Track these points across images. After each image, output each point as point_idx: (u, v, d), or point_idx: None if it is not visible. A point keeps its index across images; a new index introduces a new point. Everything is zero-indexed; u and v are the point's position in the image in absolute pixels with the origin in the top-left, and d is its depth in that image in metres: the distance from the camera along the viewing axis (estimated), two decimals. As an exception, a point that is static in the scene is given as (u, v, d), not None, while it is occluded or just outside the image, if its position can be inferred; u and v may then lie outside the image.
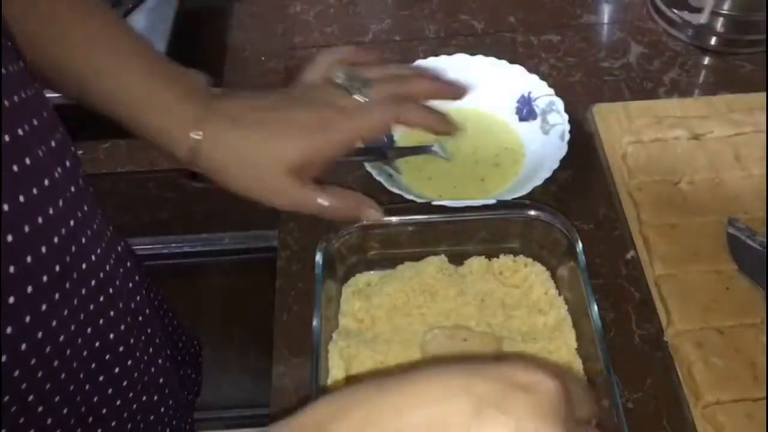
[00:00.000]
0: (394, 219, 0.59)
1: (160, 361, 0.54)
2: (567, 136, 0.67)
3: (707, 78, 0.80)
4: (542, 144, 0.69)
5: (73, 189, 0.42)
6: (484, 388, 0.31)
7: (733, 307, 0.57)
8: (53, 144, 0.41)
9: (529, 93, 0.72)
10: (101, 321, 0.45)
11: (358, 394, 0.33)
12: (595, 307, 0.53)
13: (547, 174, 0.64)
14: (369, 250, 0.61)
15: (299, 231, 0.67)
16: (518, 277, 0.60)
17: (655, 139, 0.69)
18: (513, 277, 0.60)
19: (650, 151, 0.68)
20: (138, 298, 0.52)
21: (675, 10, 0.82)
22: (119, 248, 0.51)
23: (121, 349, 0.48)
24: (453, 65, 0.72)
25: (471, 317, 0.57)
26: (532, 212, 0.59)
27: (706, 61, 0.81)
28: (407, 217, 0.60)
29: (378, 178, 0.64)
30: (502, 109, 0.72)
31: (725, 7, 0.79)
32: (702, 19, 0.79)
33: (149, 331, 0.53)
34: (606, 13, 0.88)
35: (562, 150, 0.66)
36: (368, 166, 0.65)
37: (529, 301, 0.58)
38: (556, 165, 0.65)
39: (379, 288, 0.59)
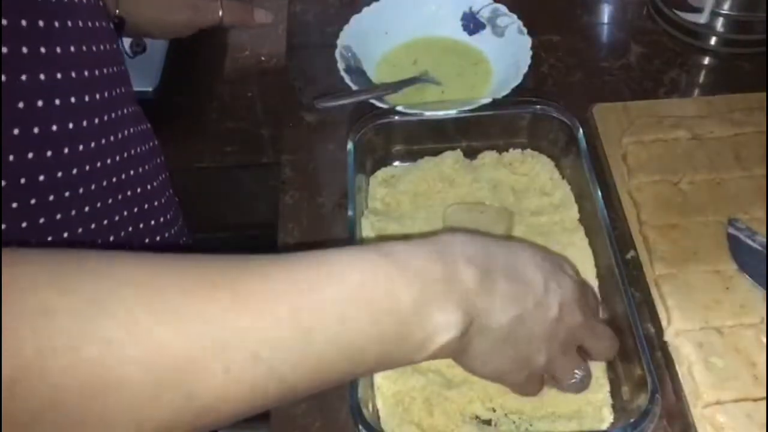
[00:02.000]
0: (413, 117, 0.66)
1: None
2: (524, 29, 0.75)
3: (707, 78, 0.80)
4: (502, 45, 0.77)
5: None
6: (549, 265, 0.45)
7: (733, 307, 0.57)
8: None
9: (470, 8, 0.80)
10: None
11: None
12: (597, 187, 0.60)
13: (525, 69, 0.71)
14: (393, 145, 0.69)
15: (299, 231, 0.67)
16: (526, 166, 0.68)
17: (655, 139, 0.69)
18: (521, 167, 0.68)
19: (650, 151, 0.68)
20: None
21: (675, 10, 0.82)
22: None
23: None
24: (394, 3, 0.79)
25: (485, 199, 0.65)
26: (537, 106, 0.66)
27: (706, 61, 0.81)
28: (427, 112, 0.67)
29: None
30: (451, 30, 0.81)
31: (725, 7, 0.79)
32: (702, 19, 0.79)
33: None
34: (606, 13, 0.88)
35: (527, 41, 0.74)
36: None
37: (536, 186, 0.67)
38: (528, 54, 0.73)
39: (402, 177, 0.67)
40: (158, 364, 0.32)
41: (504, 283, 0.42)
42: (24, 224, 0.44)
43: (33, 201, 0.43)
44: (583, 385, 0.49)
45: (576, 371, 0.48)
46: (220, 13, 0.71)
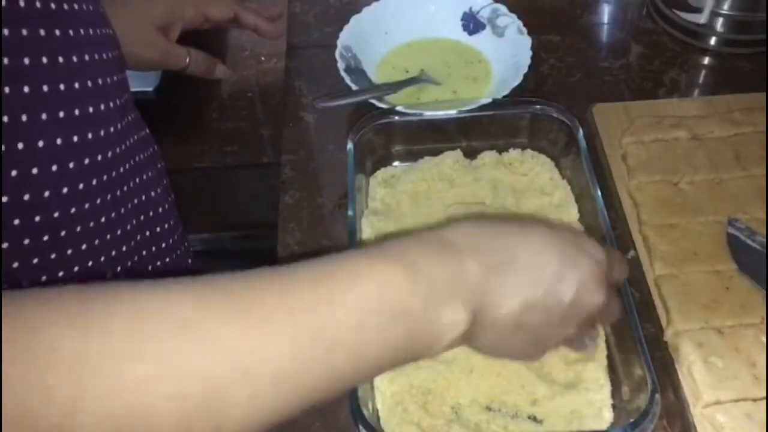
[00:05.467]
0: (413, 116, 0.67)
1: None
2: (524, 30, 0.75)
3: (707, 78, 0.80)
4: (502, 45, 0.77)
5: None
6: (565, 247, 0.43)
7: (733, 307, 0.57)
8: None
9: (470, 8, 0.80)
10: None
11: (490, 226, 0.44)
12: (597, 187, 0.60)
13: (525, 69, 0.71)
14: (393, 145, 0.69)
15: (299, 231, 0.67)
16: (526, 166, 0.68)
17: (655, 139, 0.69)
18: (521, 167, 0.68)
19: (650, 151, 0.68)
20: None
21: (675, 10, 0.82)
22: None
23: None
24: (394, 4, 0.80)
25: (485, 199, 0.65)
26: (537, 106, 0.66)
27: (706, 61, 0.81)
28: (427, 113, 0.67)
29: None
30: (451, 30, 0.81)
31: (725, 7, 0.79)
32: (702, 19, 0.79)
33: None
34: (606, 13, 0.88)
35: (527, 41, 0.74)
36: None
37: (536, 186, 0.66)
38: (527, 54, 0.73)
39: (402, 177, 0.67)
40: (188, 396, 0.32)
41: (512, 273, 0.41)
42: (26, 241, 0.43)
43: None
44: (591, 350, 0.50)
45: (587, 340, 0.49)
46: (187, 60, 0.75)
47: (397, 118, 0.66)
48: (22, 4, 0.40)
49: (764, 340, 0.55)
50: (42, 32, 0.41)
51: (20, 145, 0.41)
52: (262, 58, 0.97)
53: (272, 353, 0.34)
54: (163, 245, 0.59)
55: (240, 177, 0.91)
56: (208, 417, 0.32)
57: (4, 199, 0.41)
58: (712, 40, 0.81)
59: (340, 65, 0.74)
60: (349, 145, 0.63)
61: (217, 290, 0.35)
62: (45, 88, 0.42)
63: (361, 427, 0.46)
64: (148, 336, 0.32)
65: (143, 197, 0.55)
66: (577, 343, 0.49)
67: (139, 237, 0.54)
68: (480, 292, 0.40)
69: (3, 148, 0.40)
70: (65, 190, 0.44)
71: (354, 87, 0.72)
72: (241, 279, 0.36)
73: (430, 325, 0.39)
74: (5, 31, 0.39)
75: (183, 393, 0.31)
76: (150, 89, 0.89)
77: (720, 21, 0.80)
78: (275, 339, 0.34)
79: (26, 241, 0.44)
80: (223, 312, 0.34)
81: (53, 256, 0.46)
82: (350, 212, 0.59)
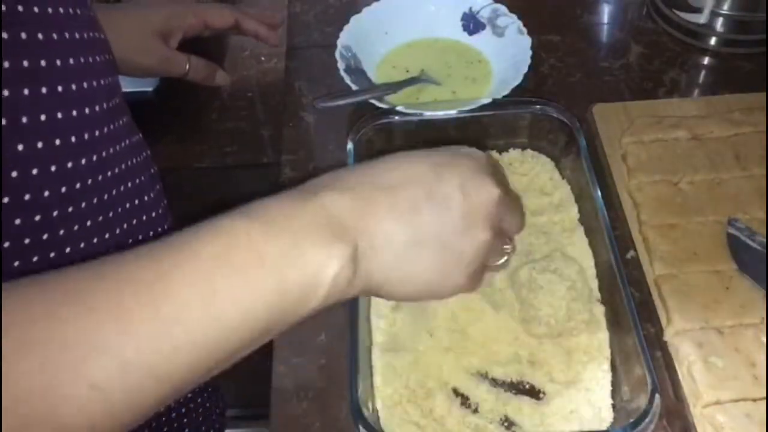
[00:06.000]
0: (413, 116, 0.66)
1: None
2: (524, 30, 0.75)
3: (707, 78, 0.80)
4: (502, 45, 0.77)
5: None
6: (438, 157, 0.43)
7: (733, 307, 0.57)
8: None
9: (470, 8, 0.80)
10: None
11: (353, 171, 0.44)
12: (597, 187, 0.60)
13: (525, 69, 0.72)
14: (393, 145, 0.67)
15: (299, 231, 0.67)
16: (526, 166, 0.68)
17: (655, 139, 0.69)
18: (521, 167, 0.68)
19: (650, 151, 0.68)
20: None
21: (675, 10, 0.82)
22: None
23: None
24: (394, 4, 0.80)
25: None
26: (537, 106, 0.66)
27: (706, 61, 0.81)
28: (426, 113, 0.67)
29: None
30: (451, 30, 0.81)
31: (725, 7, 0.79)
32: (702, 19, 0.79)
33: None
34: (606, 13, 0.88)
35: (527, 41, 0.74)
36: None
37: (536, 186, 0.67)
38: (527, 54, 0.73)
39: None
40: (22, 400, 0.31)
41: (381, 193, 0.41)
42: (6, 244, 0.42)
43: (18, 221, 0.42)
44: (508, 259, 0.49)
45: (505, 247, 0.47)
46: (187, 67, 0.76)
47: (397, 118, 0.66)
48: (3, 7, 0.39)
49: (764, 340, 0.55)
50: (23, 35, 0.40)
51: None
52: (262, 58, 0.97)
53: (113, 339, 0.33)
54: None
55: (240, 177, 0.91)
56: (47, 417, 0.31)
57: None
58: (712, 40, 0.81)
59: (340, 65, 0.74)
60: (349, 145, 0.63)
61: (52, 286, 0.34)
62: (26, 91, 0.41)
63: (361, 427, 0.46)
64: None
65: (136, 201, 0.54)
66: (497, 260, 0.48)
67: (131, 241, 0.54)
68: (349, 220, 0.39)
69: None
70: (46, 193, 0.43)
71: (354, 87, 0.72)
72: (82, 270, 0.35)
73: (299, 267, 0.37)
74: (4, 35, 0.38)
75: (15, 396, 0.31)
76: (149, 89, 0.89)
77: (720, 21, 0.80)
78: (114, 322, 0.33)
79: (6, 245, 0.42)
80: (58, 306, 0.33)
81: (35, 259, 0.44)
82: None
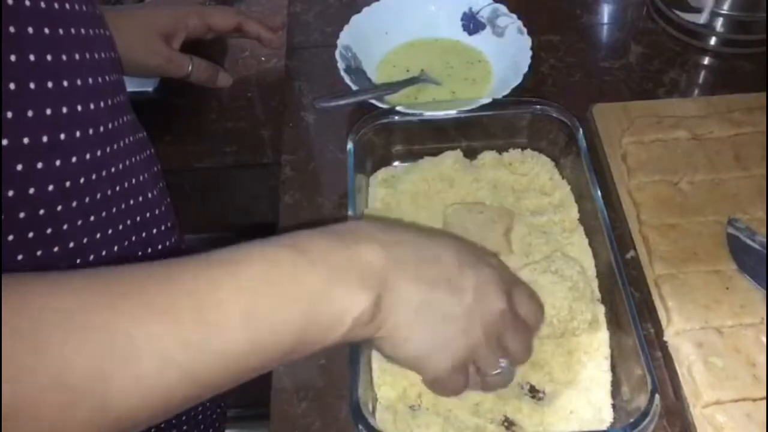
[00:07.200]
0: (413, 116, 0.67)
1: None
2: (524, 30, 0.76)
3: (707, 78, 0.80)
4: (502, 45, 0.77)
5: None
6: (467, 257, 0.46)
7: (733, 307, 0.57)
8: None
9: (470, 8, 0.80)
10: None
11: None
12: (597, 187, 0.60)
13: (524, 69, 0.72)
14: (393, 145, 0.69)
15: (299, 231, 0.67)
16: (526, 166, 0.68)
17: (655, 139, 0.69)
18: (521, 167, 0.68)
19: (650, 151, 0.68)
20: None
21: (675, 10, 0.82)
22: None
23: None
24: (394, 4, 0.80)
25: (485, 199, 0.65)
26: (537, 106, 0.66)
27: (706, 61, 0.81)
28: (426, 113, 0.67)
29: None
30: (451, 30, 0.81)
31: (725, 7, 0.79)
32: (702, 19, 0.79)
33: None
34: (606, 13, 0.88)
35: (527, 41, 0.74)
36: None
37: (536, 186, 0.67)
38: (527, 54, 0.73)
39: (402, 177, 0.67)
40: (68, 382, 0.32)
41: (413, 260, 0.43)
42: (10, 237, 0.43)
43: (22, 215, 0.43)
44: (506, 379, 0.49)
45: (501, 361, 0.47)
46: (190, 68, 0.77)
47: (397, 118, 0.66)
48: (10, 2, 0.40)
49: (764, 340, 0.55)
50: (30, 30, 0.41)
51: (5, 142, 0.40)
52: (262, 59, 0.97)
53: (158, 338, 0.35)
54: (160, 247, 0.58)
55: (240, 177, 0.91)
56: (91, 400, 0.33)
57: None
58: (712, 40, 0.81)
59: (340, 65, 0.74)
60: (349, 145, 0.63)
61: (106, 280, 0.36)
62: (32, 85, 0.42)
63: (360, 427, 0.46)
64: (33, 327, 0.32)
65: (140, 198, 0.54)
66: (490, 371, 0.47)
67: (134, 238, 0.54)
68: (380, 272, 0.41)
69: None
70: (51, 187, 0.44)
71: (354, 87, 0.72)
72: (133, 269, 0.37)
73: (329, 304, 0.40)
74: (11, 29, 0.39)
75: (61, 379, 0.32)
76: (150, 89, 0.89)
77: (720, 21, 0.80)
78: (160, 323, 0.35)
79: (10, 238, 0.43)
80: (110, 300, 0.35)
81: (39, 252, 0.45)
82: (350, 212, 0.59)
